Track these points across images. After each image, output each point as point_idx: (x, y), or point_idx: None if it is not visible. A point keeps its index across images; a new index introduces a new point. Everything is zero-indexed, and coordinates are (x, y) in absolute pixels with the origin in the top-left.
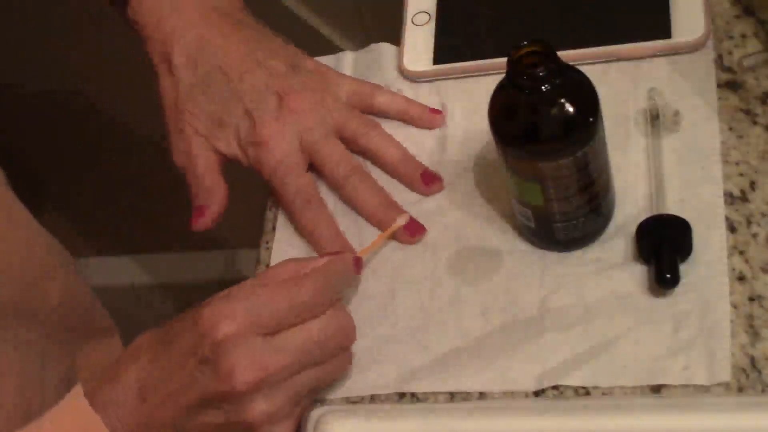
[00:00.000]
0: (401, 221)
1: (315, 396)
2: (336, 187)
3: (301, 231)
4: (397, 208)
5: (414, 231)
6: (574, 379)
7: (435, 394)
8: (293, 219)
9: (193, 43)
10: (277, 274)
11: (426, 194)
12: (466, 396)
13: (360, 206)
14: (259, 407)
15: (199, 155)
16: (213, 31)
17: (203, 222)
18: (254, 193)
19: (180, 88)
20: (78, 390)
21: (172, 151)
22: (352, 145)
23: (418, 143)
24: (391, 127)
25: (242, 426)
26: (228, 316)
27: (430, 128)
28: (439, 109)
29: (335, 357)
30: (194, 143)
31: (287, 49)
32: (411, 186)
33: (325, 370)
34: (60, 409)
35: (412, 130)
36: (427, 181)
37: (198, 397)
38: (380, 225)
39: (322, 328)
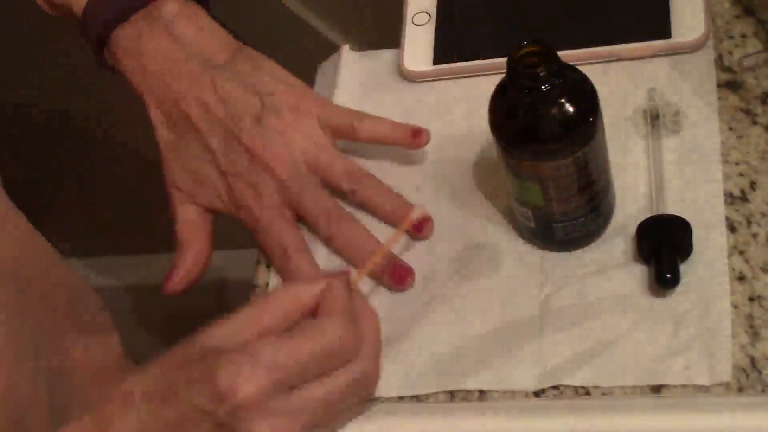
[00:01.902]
0: (417, 213)
1: None
2: (323, 239)
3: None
4: (386, 255)
5: (400, 279)
6: (574, 379)
7: (435, 393)
8: (280, 271)
9: (162, 99)
10: (281, 306)
11: (417, 236)
12: (466, 396)
13: (348, 257)
14: None
15: (179, 210)
16: (178, 82)
17: (171, 286)
18: None
19: (161, 146)
20: None
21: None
22: (339, 196)
23: None
24: None
25: None
26: (248, 378)
27: (415, 149)
28: (423, 128)
29: (358, 405)
30: (175, 197)
31: (254, 82)
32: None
33: (346, 417)
34: None
35: None
36: (418, 228)
37: None
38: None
39: (345, 380)
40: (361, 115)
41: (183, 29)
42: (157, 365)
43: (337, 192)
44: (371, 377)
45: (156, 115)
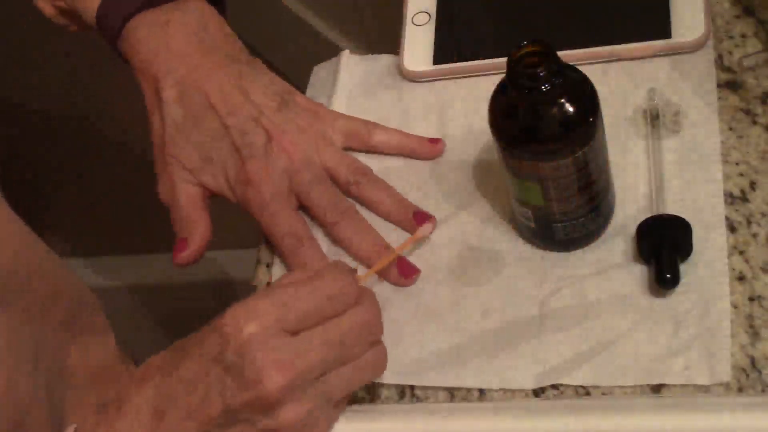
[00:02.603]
0: (426, 230)
1: (348, 397)
2: (326, 232)
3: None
4: (388, 251)
5: (408, 271)
6: (574, 379)
7: (435, 393)
8: (283, 259)
9: (182, 79)
10: (293, 276)
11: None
12: (466, 396)
13: (351, 251)
14: (289, 413)
15: (182, 189)
16: (203, 66)
17: (185, 256)
18: None
19: (167, 123)
20: None
21: (158, 187)
22: (343, 190)
23: None
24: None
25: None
26: (251, 316)
27: (430, 158)
28: (438, 137)
29: (366, 353)
30: (177, 176)
31: (278, 85)
32: (406, 229)
33: (357, 367)
34: None
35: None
36: (420, 221)
37: (223, 408)
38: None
39: (347, 322)
40: (375, 124)
41: (212, 30)
42: (172, 346)
43: (343, 190)
44: (376, 327)
45: (169, 94)
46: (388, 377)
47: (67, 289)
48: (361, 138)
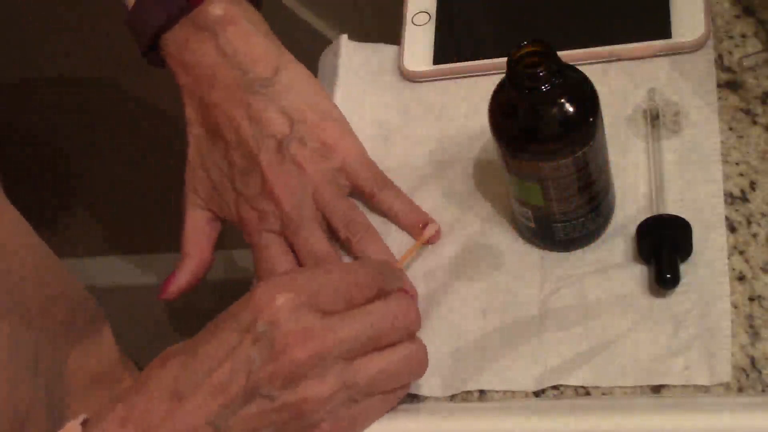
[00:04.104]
0: (431, 230)
1: (380, 393)
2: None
3: None
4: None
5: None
6: (574, 379)
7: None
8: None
9: (202, 104)
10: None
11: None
12: (466, 396)
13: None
14: (311, 389)
15: (190, 214)
16: (219, 91)
17: (168, 293)
18: None
19: (192, 141)
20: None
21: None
22: (336, 238)
23: (418, 144)
24: (390, 128)
25: (291, 412)
26: (285, 288)
27: (419, 240)
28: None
29: (399, 345)
30: (188, 200)
31: (292, 112)
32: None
33: (387, 360)
34: None
35: (413, 131)
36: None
37: (246, 383)
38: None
39: (381, 309)
40: (383, 183)
41: (228, 36)
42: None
43: (336, 238)
44: (409, 309)
45: (191, 113)
46: None
47: (66, 292)
48: (368, 191)
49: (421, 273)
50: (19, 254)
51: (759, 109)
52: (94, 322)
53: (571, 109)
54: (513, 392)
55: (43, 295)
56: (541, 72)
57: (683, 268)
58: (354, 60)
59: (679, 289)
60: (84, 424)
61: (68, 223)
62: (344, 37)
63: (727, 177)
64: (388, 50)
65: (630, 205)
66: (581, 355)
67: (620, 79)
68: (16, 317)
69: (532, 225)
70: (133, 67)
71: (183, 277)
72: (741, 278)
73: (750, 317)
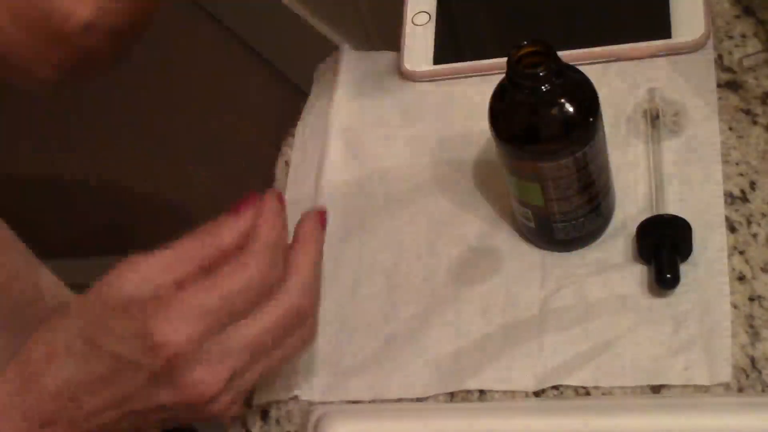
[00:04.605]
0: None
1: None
2: None
3: None
4: None
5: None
6: (574, 379)
7: (435, 394)
8: None
9: None
10: (197, 250)
11: None
12: (466, 396)
13: None
14: (221, 404)
15: None
16: None
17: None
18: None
19: None
20: None
21: None
22: None
23: (418, 144)
24: (390, 128)
25: (194, 414)
26: (181, 328)
27: None
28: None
29: (293, 336)
30: None
31: None
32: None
33: (290, 347)
34: None
35: (413, 131)
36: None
37: (152, 406)
38: None
39: (276, 315)
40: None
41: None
42: (74, 317)
43: None
44: (304, 311)
45: None
46: (390, 392)
47: (45, 291)
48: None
49: (421, 273)
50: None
51: (759, 109)
52: None
53: (571, 109)
54: (513, 392)
55: (21, 294)
56: (541, 72)
57: (683, 268)
58: (354, 64)
59: (679, 289)
60: None
61: (68, 223)
62: (346, 46)
63: (727, 177)
64: (388, 55)
65: (630, 205)
66: (581, 356)
67: (620, 79)
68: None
69: (532, 225)
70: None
71: None
72: (741, 278)
73: (750, 317)
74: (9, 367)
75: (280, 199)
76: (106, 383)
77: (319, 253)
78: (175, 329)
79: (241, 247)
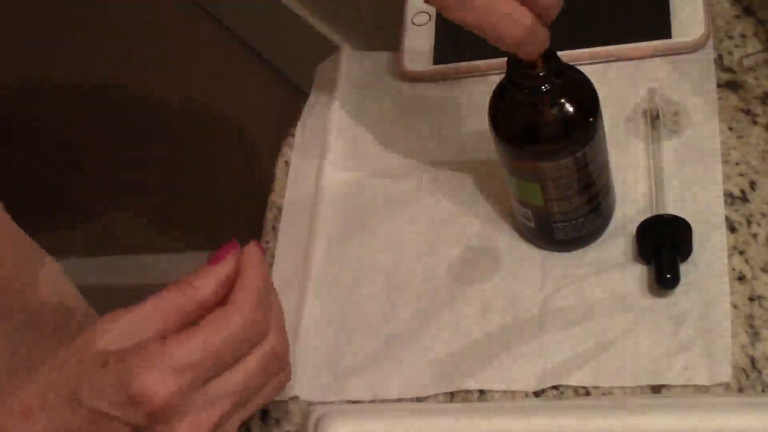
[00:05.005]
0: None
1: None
2: None
3: None
4: None
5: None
6: (574, 379)
7: (435, 393)
8: None
9: None
10: (176, 304)
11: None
12: (466, 396)
13: None
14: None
15: None
16: None
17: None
18: (254, 193)
19: None
20: None
21: None
22: None
23: (418, 144)
24: (390, 129)
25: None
26: (163, 383)
27: None
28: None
29: (271, 382)
30: None
31: None
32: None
33: (270, 390)
34: None
35: (413, 132)
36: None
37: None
38: None
39: (259, 362)
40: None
41: None
42: (48, 372)
43: None
44: (282, 350)
45: None
46: (390, 392)
47: (54, 302)
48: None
49: (421, 273)
50: (16, 263)
51: (759, 109)
52: (86, 323)
53: (571, 109)
54: (513, 392)
55: (36, 300)
56: (541, 72)
57: (683, 268)
58: (354, 64)
59: (679, 289)
60: None
61: (68, 223)
62: (346, 47)
63: (727, 177)
64: (388, 55)
65: (630, 205)
66: (581, 355)
67: (620, 79)
68: (15, 330)
69: (532, 225)
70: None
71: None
72: (741, 278)
73: (750, 317)
74: None
75: (260, 248)
76: None
77: (272, 288)
78: (158, 382)
79: (221, 297)
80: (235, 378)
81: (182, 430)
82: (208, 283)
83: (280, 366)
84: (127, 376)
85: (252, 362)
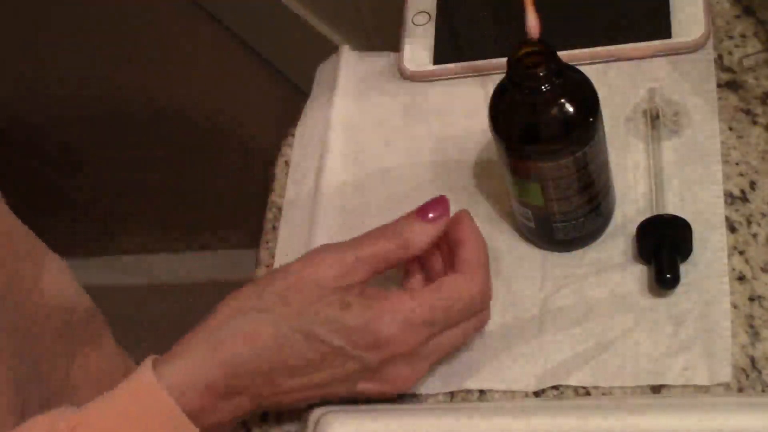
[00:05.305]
0: None
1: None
2: None
3: None
4: None
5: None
6: (574, 379)
7: (435, 393)
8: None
9: None
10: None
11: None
12: (466, 396)
13: None
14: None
15: None
16: None
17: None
18: (254, 193)
19: None
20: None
21: None
22: None
23: (418, 144)
24: (390, 129)
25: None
26: (406, 331)
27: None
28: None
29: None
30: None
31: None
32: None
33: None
34: (131, 384)
35: (413, 131)
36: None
37: (348, 389)
38: None
39: (474, 326)
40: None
41: None
42: (276, 307)
43: None
44: (487, 317)
45: None
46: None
47: (59, 304)
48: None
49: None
50: (18, 261)
51: (759, 109)
52: (90, 324)
53: (571, 109)
54: (513, 392)
55: (33, 307)
56: (541, 72)
57: (683, 268)
58: (354, 65)
59: (679, 289)
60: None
61: (68, 223)
62: (346, 47)
63: (727, 177)
64: (388, 55)
65: (630, 205)
66: (581, 355)
67: (620, 79)
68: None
69: (532, 225)
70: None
71: None
72: (741, 278)
73: (750, 317)
74: (189, 347)
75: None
76: (313, 368)
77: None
78: (403, 332)
79: (430, 253)
80: (455, 335)
81: (403, 373)
82: (421, 240)
83: (480, 318)
84: (376, 322)
85: (471, 324)
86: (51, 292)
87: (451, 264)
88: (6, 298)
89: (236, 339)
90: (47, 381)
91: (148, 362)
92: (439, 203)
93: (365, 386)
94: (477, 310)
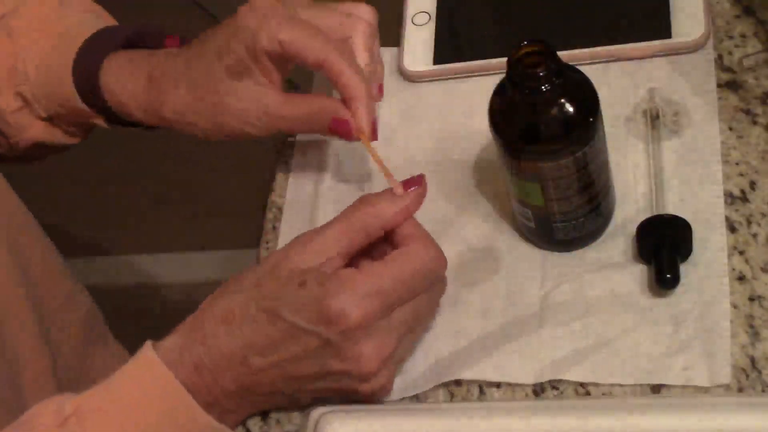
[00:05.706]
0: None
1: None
2: None
3: None
4: None
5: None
6: (573, 374)
7: (435, 393)
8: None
9: None
10: (363, 225)
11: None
12: (466, 396)
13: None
14: (376, 383)
15: None
16: None
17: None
18: (254, 193)
19: None
20: (148, 350)
21: None
22: None
23: (418, 144)
24: (391, 128)
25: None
26: (359, 305)
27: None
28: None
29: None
30: None
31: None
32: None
33: (428, 320)
34: (134, 367)
35: (413, 131)
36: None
37: (317, 370)
38: None
39: (438, 295)
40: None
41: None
42: (249, 289)
43: None
44: (445, 285)
45: None
46: (394, 393)
47: (79, 303)
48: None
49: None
50: (34, 253)
51: (759, 109)
52: (97, 325)
53: (571, 109)
54: (513, 392)
55: (57, 306)
56: (541, 72)
57: (683, 268)
58: None
59: (679, 289)
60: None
61: (69, 223)
62: None
63: (727, 177)
64: (387, 53)
65: (630, 205)
66: (580, 351)
67: (620, 79)
68: (37, 316)
69: (532, 225)
70: None
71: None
72: (741, 278)
73: (750, 317)
74: (181, 327)
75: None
76: (277, 346)
77: None
78: (352, 305)
79: (398, 224)
80: (419, 306)
81: (367, 350)
82: (395, 212)
83: (441, 291)
84: (327, 297)
85: (435, 294)
86: (71, 284)
87: (395, 246)
88: (33, 303)
89: (215, 319)
90: (61, 360)
91: (148, 343)
92: (414, 180)
93: (333, 364)
94: (433, 278)
